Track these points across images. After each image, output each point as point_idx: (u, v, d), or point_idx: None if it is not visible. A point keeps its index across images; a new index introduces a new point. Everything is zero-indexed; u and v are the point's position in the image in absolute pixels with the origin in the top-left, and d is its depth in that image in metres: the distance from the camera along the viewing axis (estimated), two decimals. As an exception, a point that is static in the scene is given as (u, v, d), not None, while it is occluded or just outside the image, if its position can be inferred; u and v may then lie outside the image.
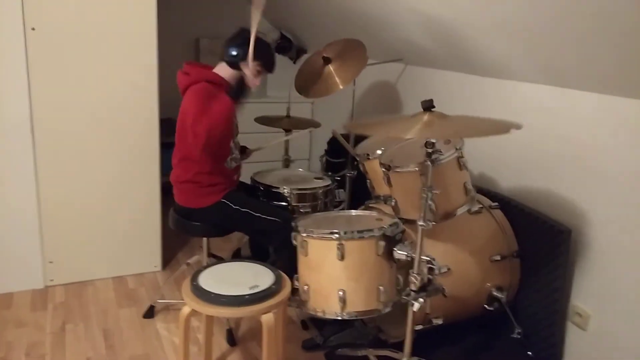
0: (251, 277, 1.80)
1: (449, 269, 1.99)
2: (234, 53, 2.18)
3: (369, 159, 2.24)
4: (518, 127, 1.52)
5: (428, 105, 1.58)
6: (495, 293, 2.09)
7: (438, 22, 2.21)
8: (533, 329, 2.06)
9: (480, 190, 2.32)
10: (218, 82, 2.18)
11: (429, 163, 1.63)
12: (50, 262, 2.62)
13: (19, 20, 2.31)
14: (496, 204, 2.19)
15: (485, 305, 2.11)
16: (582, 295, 1.98)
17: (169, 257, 3.00)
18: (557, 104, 2.04)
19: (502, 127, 1.54)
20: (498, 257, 2.09)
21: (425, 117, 1.63)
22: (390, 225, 1.82)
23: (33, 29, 2.35)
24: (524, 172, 2.22)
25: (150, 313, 2.42)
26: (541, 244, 2.04)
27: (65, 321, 2.36)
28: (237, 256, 2.98)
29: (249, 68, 2.19)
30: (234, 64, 2.20)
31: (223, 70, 2.21)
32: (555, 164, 2.07)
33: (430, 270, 1.74)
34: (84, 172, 2.60)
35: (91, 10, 2.43)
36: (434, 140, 1.60)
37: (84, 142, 2.56)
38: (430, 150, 1.61)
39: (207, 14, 3.93)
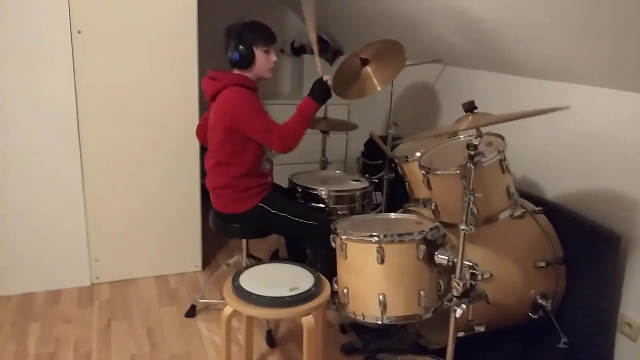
0: (291, 278, 1.81)
1: (491, 275, 1.95)
2: (237, 56, 2.19)
3: (407, 161, 2.22)
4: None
5: (470, 107, 1.55)
6: (539, 301, 2.03)
7: (475, 22, 2.17)
8: (580, 338, 1.99)
9: (523, 195, 2.26)
10: (247, 84, 2.22)
11: (471, 165, 1.59)
12: (96, 260, 2.70)
13: (66, 23, 2.40)
14: (540, 208, 2.13)
15: (530, 313, 2.05)
16: (632, 305, 1.90)
17: (209, 258, 3.05)
18: (601, 104, 1.97)
19: (543, 110, 1.50)
20: (543, 264, 2.03)
21: (470, 118, 1.60)
22: (431, 229, 1.79)
23: (79, 32, 2.43)
24: (569, 175, 2.15)
25: (191, 312, 2.46)
26: (588, 250, 1.97)
27: (110, 318, 2.43)
28: (275, 257, 3.00)
29: (258, 57, 2.21)
30: (246, 63, 2.20)
31: (241, 74, 2.23)
32: (601, 167, 2.00)
33: (473, 275, 1.70)
34: (128, 173, 2.67)
35: (135, 13, 2.50)
36: (476, 143, 1.57)
37: (128, 143, 2.64)
38: (472, 152, 1.58)
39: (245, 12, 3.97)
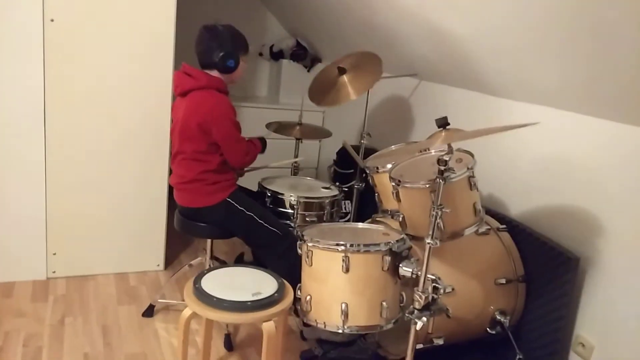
0: (254, 283, 1.79)
1: (453, 289, 1.97)
2: (232, 63, 2.21)
3: (378, 172, 2.23)
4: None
5: (443, 123, 1.57)
6: (498, 317, 2.07)
7: (451, 38, 2.20)
8: (534, 356, 2.03)
9: (489, 212, 2.30)
10: (223, 89, 2.24)
11: (440, 180, 1.61)
12: (54, 253, 2.62)
13: (38, 11, 2.33)
14: (504, 226, 2.17)
15: (488, 329, 2.08)
16: (586, 325, 1.96)
17: (172, 257, 2.99)
18: (570, 129, 2.03)
19: (513, 126, 1.53)
20: (503, 281, 2.07)
21: (443, 134, 1.62)
22: (397, 241, 1.80)
23: (52, 20, 2.36)
24: (534, 195, 2.20)
25: (149, 312, 2.41)
26: (548, 269, 2.02)
27: (64, 314, 2.35)
28: (240, 261, 2.97)
29: (240, 66, 2.26)
30: (231, 69, 2.23)
31: (216, 75, 2.23)
32: (565, 190, 2.05)
33: (435, 289, 1.72)
34: (93, 167, 2.60)
35: (112, 6, 2.45)
36: (447, 158, 1.59)
37: (95, 137, 2.57)
38: (442, 168, 1.60)
39: (224, 14, 3.95)
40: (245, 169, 2.43)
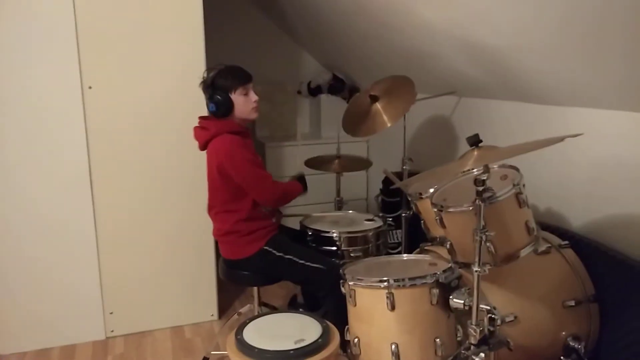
0: (297, 329, 1.71)
1: (515, 317, 1.80)
2: (213, 107, 2.16)
3: (421, 198, 2.12)
4: (575, 135, 1.37)
5: (474, 141, 1.47)
6: (571, 343, 1.86)
7: (485, 51, 2.10)
8: (620, 384, 1.81)
9: (548, 228, 2.12)
10: (236, 130, 2.19)
11: (479, 203, 1.49)
12: (111, 313, 2.67)
13: (76, 79, 2.46)
14: (566, 242, 1.98)
15: (562, 357, 1.88)
16: (676, 346, 1.72)
17: (226, 306, 2.98)
18: (629, 130, 1.84)
19: (554, 140, 1.40)
20: (572, 302, 1.87)
21: (475, 153, 1.51)
22: (444, 271, 1.68)
23: (90, 87, 2.48)
24: (596, 205, 2.01)
25: (204, 365, 2.38)
26: (621, 286, 1.81)
27: (123, 373, 2.38)
28: (293, 303, 2.90)
29: (236, 102, 2.17)
30: (225, 111, 2.17)
31: (223, 121, 2.20)
32: (629, 196, 1.85)
33: (492, 320, 1.58)
34: (141, 225, 2.67)
35: (143, 66, 2.55)
36: (484, 178, 1.48)
37: (141, 195, 2.64)
38: (480, 189, 1.48)
39: (259, 56, 4.01)
40: (285, 212, 2.38)
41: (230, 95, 2.16)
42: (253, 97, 2.21)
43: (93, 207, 2.57)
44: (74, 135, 2.50)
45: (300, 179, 2.38)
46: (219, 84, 2.15)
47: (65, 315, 2.61)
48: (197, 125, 2.27)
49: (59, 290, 2.58)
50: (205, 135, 2.20)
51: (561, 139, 1.39)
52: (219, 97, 2.14)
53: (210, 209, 2.27)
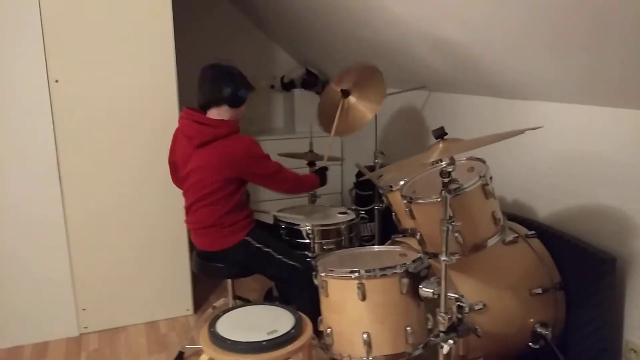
0: (270, 321, 1.73)
1: (484, 305, 1.85)
2: (244, 94, 2.20)
3: (391, 190, 2.15)
4: (534, 128, 1.42)
5: (440, 134, 1.50)
6: (539, 329, 1.92)
7: (453, 46, 2.13)
8: (584, 368, 1.88)
9: (515, 218, 2.17)
10: (238, 130, 2.20)
11: (445, 194, 1.53)
12: (84, 309, 2.64)
13: (42, 73, 2.41)
14: (533, 232, 2.04)
15: (530, 343, 1.94)
16: (636, 330, 1.79)
17: (200, 301, 2.97)
18: (592, 123, 1.90)
19: (515, 132, 1.44)
20: (539, 290, 1.93)
21: (440, 145, 1.55)
22: (414, 261, 1.72)
23: (56, 81, 2.44)
24: (561, 196, 2.07)
25: (179, 359, 2.37)
26: (585, 273, 1.87)
27: (96, 370, 2.36)
28: (269, 297, 2.92)
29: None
30: (239, 103, 2.21)
31: (226, 113, 2.20)
32: (593, 187, 1.92)
33: (460, 308, 1.62)
34: (113, 220, 2.64)
35: (111, 60, 2.51)
36: (449, 169, 1.51)
37: (112, 189, 2.61)
38: (446, 180, 1.52)
39: (232, 51, 4.00)
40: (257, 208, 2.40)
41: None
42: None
43: (62, 202, 2.53)
44: (41, 129, 2.45)
45: (320, 172, 2.43)
46: (244, 80, 2.20)
47: (37, 312, 2.57)
48: (186, 118, 2.19)
49: (30, 287, 2.54)
50: (210, 132, 2.12)
51: (522, 132, 1.43)
52: (243, 90, 2.19)
53: (192, 204, 2.23)
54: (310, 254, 2.31)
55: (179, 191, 2.55)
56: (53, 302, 2.59)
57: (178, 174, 2.30)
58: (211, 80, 2.18)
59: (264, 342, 1.60)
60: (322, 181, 2.41)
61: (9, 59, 2.36)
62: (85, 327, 2.66)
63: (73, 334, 2.64)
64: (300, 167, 2.85)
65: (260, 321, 1.74)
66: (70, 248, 2.58)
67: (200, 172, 2.15)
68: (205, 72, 2.21)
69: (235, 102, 2.18)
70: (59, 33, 2.41)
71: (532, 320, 1.92)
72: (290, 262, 2.18)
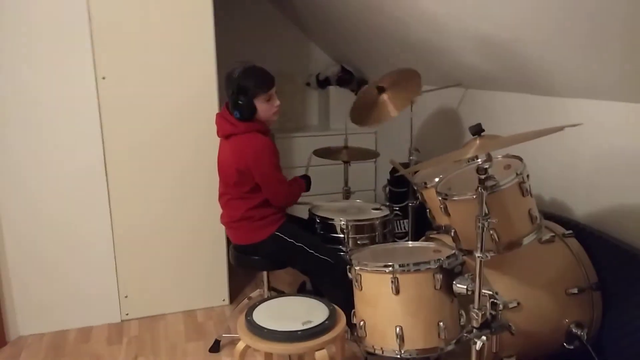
0: (305, 312, 1.78)
1: (519, 304, 1.85)
2: (237, 114, 2.18)
3: (426, 187, 2.16)
4: (573, 125, 1.42)
5: (477, 130, 1.51)
6: (574, 330, 1.90)
7: (489, 43, 2.12)
8: (620, 370, 1.85)
9: (552, 217, 2.15)
10: (263, 129, 2.24)
11: (482, 190, 1.54)
12: (126, 296, 2.75)
13: (90, 70, 2.52)
14: (570, 231, 2.02)
15: (565, 344, 1.92)
16: (675, 333, 1.76)
17: (237, 291, 3.05)
18: (631, 121, 1.87)
19: (553, 129, 1.44)
20: (575, 290, 1.91)
21: (477, 142, 1.55)
22: (448, 257, 1.73)
23: (104, 78, 2.54)
24: (599, 196, 2.04)
25: (216, 347, 2.45)
26: (623, 274, 1.84)
27: (137, 354, 2.45)
28: (302, 290, 2.97)
29: (259, 107, 2.19)
30: (249, 116, 2.19)
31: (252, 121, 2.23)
32: (630, 186, 1.88)
33: (494, 305, 1.62)
34: (155, 212, 2.74)
35: (156, 57, 2.60)
36: (486, 166, 1.52)
37: (156, 184, 2.71)
38: (482, 177, 1.53)
39: (269, 49, 4.06)
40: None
41: (254, 100, 2.16)
42: (275, 102, 2.24)
43: (108, 196, 2.64)
44: (89, 122, 2.56)
45: (306, 178, 2.46)
46: (244, 87, 2.14)
47: (82, 299, 2.70)
48: (219, 113, 2.30)
49: (76, 274, 2.67)
50: (229, 128, 2.22)
51: (560, 129, 1.43)
52: (241, 102, 2.14)
53: (222, 196, 2.33)
54: (344, 249, 2.34)
55: (216, 186, 2.64)
56: (97, 289, 2.71)
57: None
58: (225, 89, 2.23)
59: (299, 332, 1.65)
60: (308, 187, 2.45)
61: (56, 56, 2.46)
62: (127, 314, 2.77)
63: (115, 320, 2.76)
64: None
65: (295, 312, 1.78)
66: (115, 239, 2.69)
67: (223, 165, 2.26)
68: (224, 80, 2.24)
69: (242, 118, 2.19)
70: (106, 30, 2.51)
71: (567, 320, 1.91)
72: (323, 257, 2.22)
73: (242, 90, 2.15)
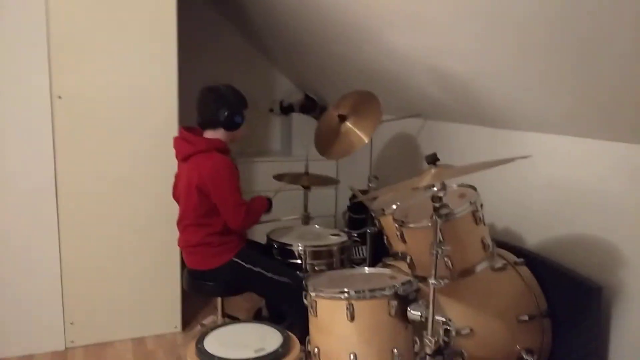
0: (258, 339, 1.74)
1: (471, 330, 1.87)
2: (240, 119, 2.26)
3: (384, 214, 2.18)
4: (523, 157, 1.46)
5: (432, 159, 1.54)
6: (525, 356, 1.93)
7: (451, 77, 2.20)
8: (569, 397, 1.89)
9: (505, 246, 2.20)
10: (223, 148, 2.25)
11: (436, 218, 1.56)
12: (71, 323, 2.63)
13: (46, 89, 2.45)
14: (522, 259, 2.07)
15: (516, 370, 1.95)
16: (620, 358, 1.81)
17: (189, 318, 2.96)
18: (582, 154, 1.96)
19: (504, 160, 1.49)
20: (526, 317, 1.95)
21: (432, 171, 1.59)
22: (403, 284, 1.74)
23: (60, 97, 2.48)
24: (550, 226, 2.11)
25: (165, 377, 2.36)
26: (572, 302, 1.89)
27: (81, 385, 2.34)
28: (258, 316, 2.91)
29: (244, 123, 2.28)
30: (237, 126, 2.26)
31: (222, 135, 2.26)
32: (581, 217, 1.96)
33: (447, 332, 1.63)
34: (105, 235, 2.65)
35: (115, 78, 2.56)
36: (441, 195, 1.55)
37: (106, 206, 2.63)
38: (437, 205, 1.56)
39: (233, 74, 4.06)
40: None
41: (244, 113, 2.28)
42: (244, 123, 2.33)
43: (57, 218, 2.54)
44: (41, 142, 2.48)
45: (269, 200, 2.44)
46: (242, 101, 2.26)
47: (24, 325, 2.55)
48: (177, 136, 2.29)
49: (18, 299, 2.53)
50: (189, 149, 2.21)
51: (511, 160, 1.48)
52: (238, 112, 2.24)
53: (180, 221, 2.28)
54: (302, 275, 2.32)
55: (171, 208, 2.59)
56: (41, 315, 2.58)
57: (176, 189, 2.36)
58: (208, 104, 2.24)
59: (251, 360, 1.61)
60: (269, 209, 2.44)
61: (10, 72, 2.39)
62: (72, 342, 2.64)
63: (59, 348, 2.62)
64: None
65: (248, 339, 1.74)
66: (62, 262, 2.58)
67: (183, 187, 2.23)
68: (203, 94, 2.26)
69: (230, 126, 2.24)
70: (65, 48, 2.46)
71: (518, 346, 1.94)
72: (281, 279, 2.20)
73: (239, 103, 2.26)
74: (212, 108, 2.22)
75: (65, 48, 2.46)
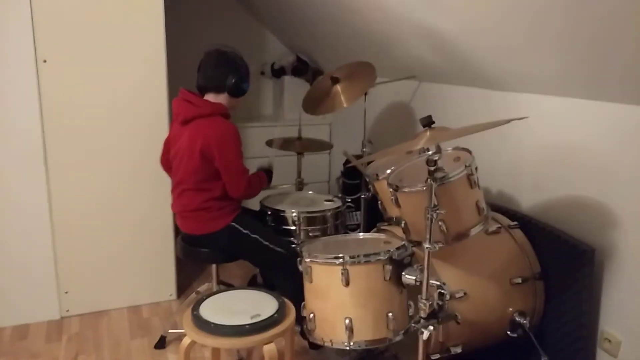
0: (253, 305, 1.74)
1: (465, 294, 1.88)
2: (247, 87, 2.23)
3: (378, 179, 2.16)
4: (520, 118, 1.44)
5: (427, 122, 1.51)
6: (518, 318, 1.96)
7: (445, 37, 2.14)
8: (560, 356, 1.92)
9: (499, 209, 2.20)
10: (227, 114, 2.20)
11: (431, 182, 1.54)
12: (66, 292, 2.62)
13: (30, 53, 2.37)
14: (515, 223, 2.07)
15: (508, 332, 1.97)
16: (611, 320, 1.83)
17: (185, 285, 2.97)
18: (576, 115, 1.93)
19: (500, 122, 1.46)
20: (519, 280, 1.96)
21: (427, 134, 1.55)
22: (398, 249, 1.73)
23: (45, 61, 2.40)
24: (544, 188, 2.10)
25: (161, 344, 2.38)
26: (564, 264, 1.90)
27: (78, 352, 2.35)
28: (253, 283, 2.93)
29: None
30: (243, 92, 2.22)
31: (224, 100, 2.21)
32: (576, 179, 1.95)
33: (441, 295, 1.64)
34: (98, 204, 2.62)
35: (101, 40, 2.48)
36: (435, 158, 1.52)
37: (99, 172, 2.59)
38: (432, 168, 1.53)
39: (224, 35, 3.96)
40: None
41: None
42: None
43: (47, 184, 2.50)
44: (28, 107, 2.41)
45: (267, 171, 2.40)
46: (243, 66, 2.22)
47: (18, 294, 2.55)
48: (178, 97, 2.21)
49: (12, 269, 2.52)
50: (192, 111, 2.15)
51: (507, 122, 1.45)
52: (248, 82, 2.23)
53: (177, 185, 2.23)
54: (295, 241, 2.32)
55: (165, 176, 2.54)
56: (35, 284, 2.57)
57: (169, 154, 2.31)
58: (215, 66, 2.18)
59: (246, 326, 1.61)
60: (269, 181, 2.42)
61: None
62: (67, 310, 2.64)
63: (54, 317, 2.62)
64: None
65: (243, 305, 1.74)
66: (54, 230, 2.56)
67: (184, 150, 2.17)
68: (210, 56, 2.20)
69: (236, 92, 2.20)
70: (48, 11, 2.36)
71: (511, 309, 1.96)
72: (277, 249, 2.19)
73: (243, 71, 2.22)
74: (221, 72, 2.16)
75: (48, 10, 2.36)
